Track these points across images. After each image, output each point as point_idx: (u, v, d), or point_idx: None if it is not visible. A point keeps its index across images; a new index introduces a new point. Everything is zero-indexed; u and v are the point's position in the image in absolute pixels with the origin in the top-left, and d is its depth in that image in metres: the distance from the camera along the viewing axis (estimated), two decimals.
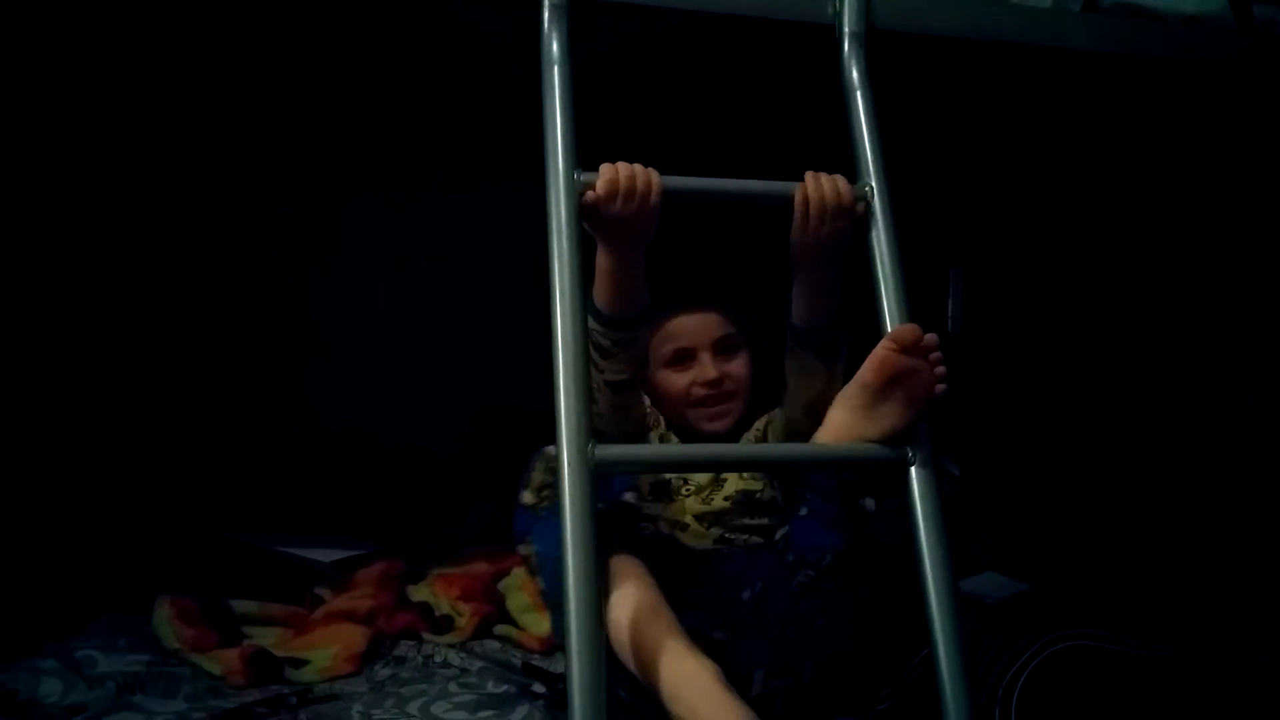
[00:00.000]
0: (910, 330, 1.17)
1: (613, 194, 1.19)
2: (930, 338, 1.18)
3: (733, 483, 1.49)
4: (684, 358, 1.51)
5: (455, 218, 2.51)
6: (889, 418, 1.18)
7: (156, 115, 2.01)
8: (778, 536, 1.34)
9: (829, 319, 1.36)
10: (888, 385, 1.17)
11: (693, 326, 1.51)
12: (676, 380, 1.51)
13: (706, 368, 1.50)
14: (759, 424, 1.54)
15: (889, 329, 1.20)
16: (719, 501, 1.47)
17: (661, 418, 1.54)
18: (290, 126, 2.13)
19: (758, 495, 1.49)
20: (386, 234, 2.50)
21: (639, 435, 1.47)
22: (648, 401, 1.53)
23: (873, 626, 1.33)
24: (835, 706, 1.32)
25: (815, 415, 1.31)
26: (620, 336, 1.32)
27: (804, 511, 1.30)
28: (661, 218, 1.23)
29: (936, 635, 1.08)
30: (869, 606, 1.30)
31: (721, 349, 1.52)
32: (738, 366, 1.52)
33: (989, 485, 2.15)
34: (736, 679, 1.14)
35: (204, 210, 2.35)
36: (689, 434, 1.53)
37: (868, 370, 1.18)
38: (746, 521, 1.47)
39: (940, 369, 1.18)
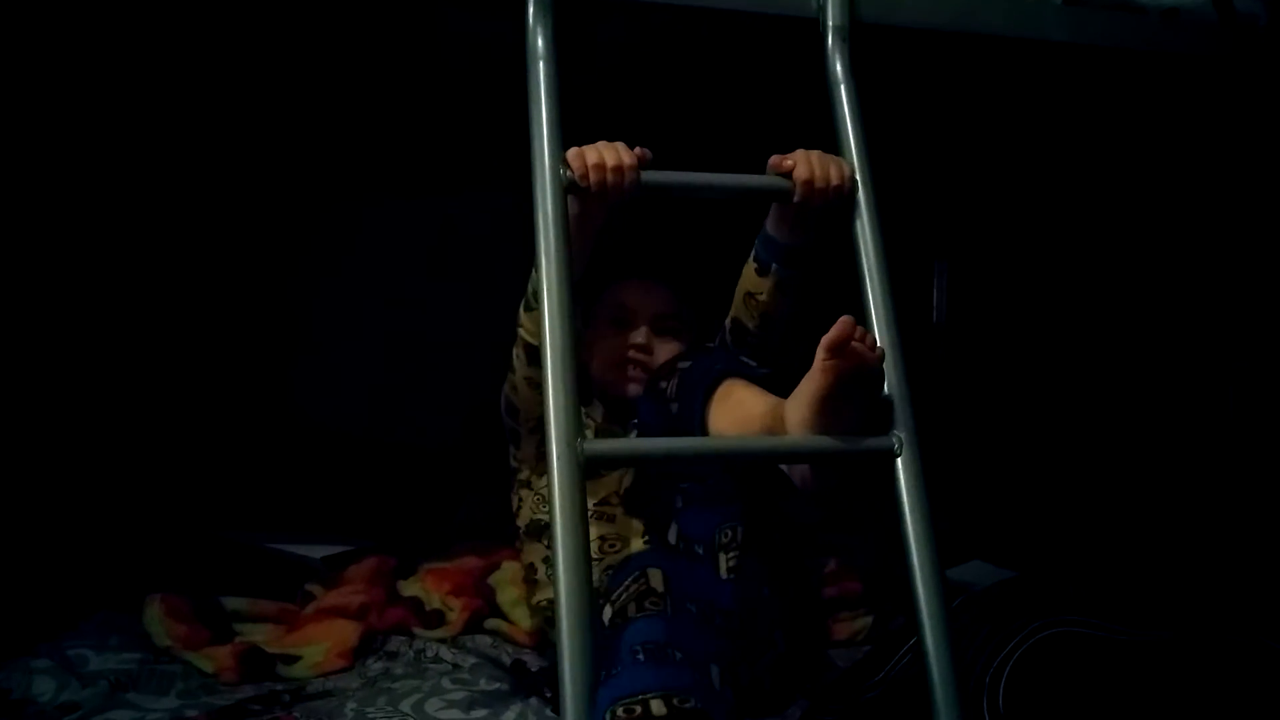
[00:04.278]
0: (839, 330, 1.08)
1: (585, 180, 1.20)
2: (846, 321, 1.08)
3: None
4: (623, 319, 1.58)
5: (444, 217, 2.51)
6: (854, 411, 1.14)
7: (151, 118, 2.00)
8: (673, 540, 1.29)
9: (801, 242, 1.37)
10: (844, 387, 1.11)
11: (639, 294, 1.60)
12: (613, 340, 1.57)
13: (640, 333, 1.57)
14: None
15: (874, 321, 1.20)
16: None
17: (594, 418, 1.55)
18: (282, 128, 2.13)
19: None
20: (377, 233, 2.50)
21: None
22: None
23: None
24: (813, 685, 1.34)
25: (749, 305, 1.41)
26: None
27: (680, 503, 1.31)
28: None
29: (924, 624, 1.09)
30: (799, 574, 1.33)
31: (660, 327, 1.58)
32: (669, 349, 1.56)
33: (974, 474, 2.16)
34: (731, 671, 1.14)
35: (196, 210, 2.34)
36: (612, 402, 1.56)
37: (821, 386, 1.11)
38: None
39: (870, 337, 1.12)
